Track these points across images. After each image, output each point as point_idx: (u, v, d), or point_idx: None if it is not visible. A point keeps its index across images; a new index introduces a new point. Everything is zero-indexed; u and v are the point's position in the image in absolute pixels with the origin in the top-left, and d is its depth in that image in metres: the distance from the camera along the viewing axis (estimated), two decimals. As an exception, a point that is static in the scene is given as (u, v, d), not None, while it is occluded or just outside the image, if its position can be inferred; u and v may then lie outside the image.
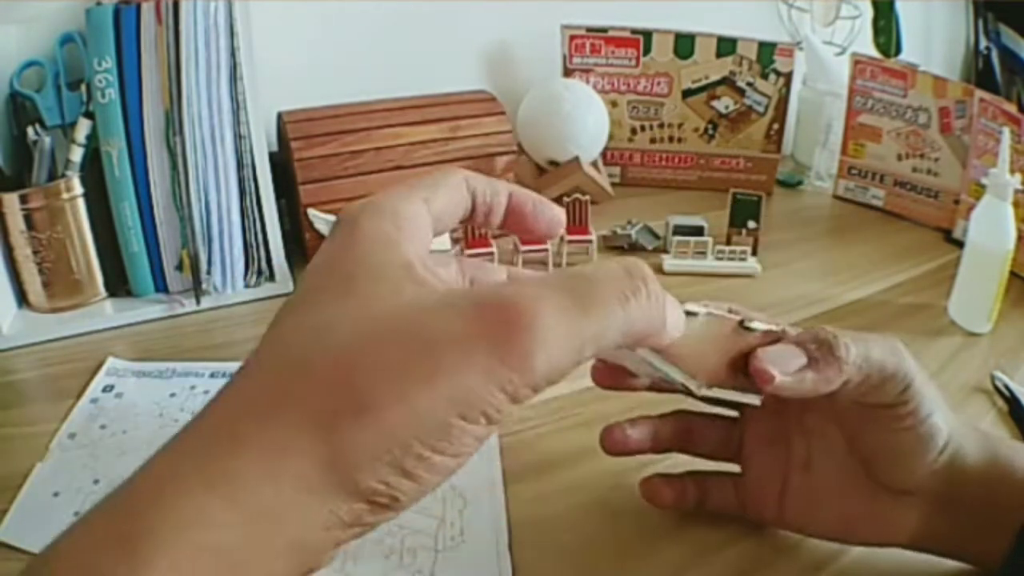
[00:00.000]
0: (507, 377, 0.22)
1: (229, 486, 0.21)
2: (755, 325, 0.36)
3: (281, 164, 0.71)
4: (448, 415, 0.22)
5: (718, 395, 0.35)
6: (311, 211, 0.71)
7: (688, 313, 0.33)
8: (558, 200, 0.78)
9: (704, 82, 0.93)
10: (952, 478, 0.36)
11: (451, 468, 0.23)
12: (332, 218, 0.71)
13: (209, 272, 0.66)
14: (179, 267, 0.66)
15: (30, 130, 0.61)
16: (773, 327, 0.37)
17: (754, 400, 0.35)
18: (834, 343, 0.34)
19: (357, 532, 0.23)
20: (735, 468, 0.43)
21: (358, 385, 0.22)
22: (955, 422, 0.37)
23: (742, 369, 0.35)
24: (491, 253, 0.72)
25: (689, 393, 0.35)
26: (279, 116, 0.76)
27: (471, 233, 0.72)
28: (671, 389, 0.36)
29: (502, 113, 0.79)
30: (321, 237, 0.72)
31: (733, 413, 0.42)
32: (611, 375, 0.38)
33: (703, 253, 0.75)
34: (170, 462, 0.22)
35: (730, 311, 0.37)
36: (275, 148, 0.76)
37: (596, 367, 0.39)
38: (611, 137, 0.93)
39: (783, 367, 0.33)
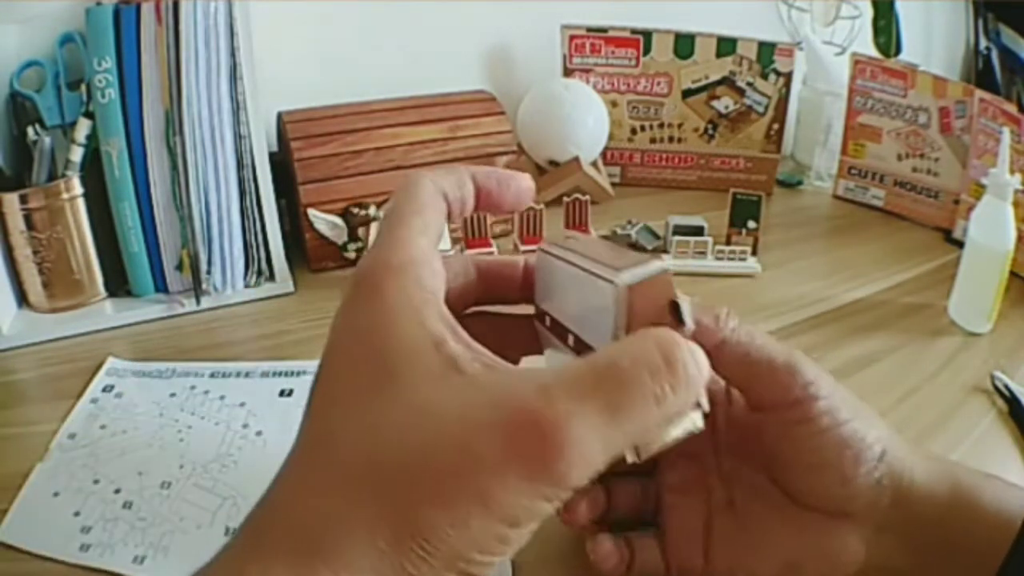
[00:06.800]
0: (547, 492, 0.24)
1: None
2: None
3: (281, 164, 0.71)
4: (500, 528, 0.24)
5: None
6: (311, 211, 0.71)
7: None
8: (558, 200, 0.79)
9: (704, 82, 0.94)
10: (898, 501, 0.33)
11: (507, 555, 0.25)
12: (332, 218, 0.72)
13: (209, 272, 0.66)
14: (179, 267, 0.66)
15: (30, 130, 0.61)
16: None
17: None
18: (714, 308, 0.33)
19: None
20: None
21: (419, 512, 0.23)
22: (897, 442, 0.34)
23: None
24: (491, 253, 0.72)
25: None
26: (279, 116, 0.76)
27: (470, 233, 0.72)
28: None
29: (502, 113, 0.79)
30: (321, 237, 0.72)
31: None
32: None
33: (703, 253, 0.75)
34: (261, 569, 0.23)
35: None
36: (275, 148, 0.76)
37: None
38: (611, 137, 0.93)
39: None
